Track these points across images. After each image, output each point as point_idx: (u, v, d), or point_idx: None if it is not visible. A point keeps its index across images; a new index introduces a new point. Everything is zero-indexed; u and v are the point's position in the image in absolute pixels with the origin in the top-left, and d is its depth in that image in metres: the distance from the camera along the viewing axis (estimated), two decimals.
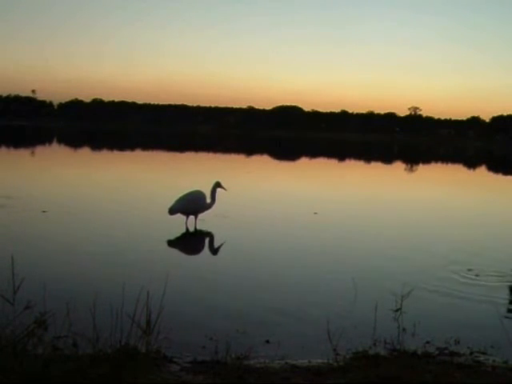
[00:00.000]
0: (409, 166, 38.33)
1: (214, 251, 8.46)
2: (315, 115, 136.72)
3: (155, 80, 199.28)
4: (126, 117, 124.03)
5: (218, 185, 10.22)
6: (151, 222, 10.07)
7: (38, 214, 10.07)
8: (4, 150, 35.06)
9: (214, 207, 10.08)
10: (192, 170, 22.93)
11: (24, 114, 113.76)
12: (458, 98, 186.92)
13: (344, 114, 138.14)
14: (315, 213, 11.72)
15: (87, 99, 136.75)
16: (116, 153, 36.99)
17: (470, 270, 7.59)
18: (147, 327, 4.23)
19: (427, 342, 4.86)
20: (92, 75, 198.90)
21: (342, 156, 44.61)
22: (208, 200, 10.02)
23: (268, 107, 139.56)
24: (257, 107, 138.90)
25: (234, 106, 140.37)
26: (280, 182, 20.31)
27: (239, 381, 3.81)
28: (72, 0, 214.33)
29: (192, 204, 9.82)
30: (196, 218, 9.84)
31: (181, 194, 9.87)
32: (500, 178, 31.30)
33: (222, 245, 8.48)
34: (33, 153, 32.53)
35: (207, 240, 9.36)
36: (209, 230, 9.66)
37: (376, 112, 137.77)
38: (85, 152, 37.21)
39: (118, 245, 8.32)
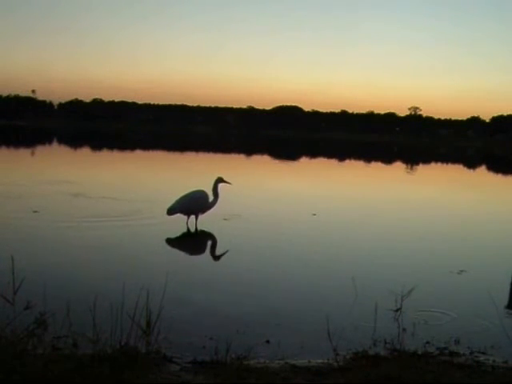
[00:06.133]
0: (409, 166, 38.34)
1: (216, 257, 8.18)
2: (315, 115, 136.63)
3: (155, 80, 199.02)
4: (125, 117, 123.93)
5: (220, 180, 10.14)
6: (151, 221, 10.06)
7: (30, 213, 10.05)
8: (4, 149, 35.05)
9: (217, 204, 10.04)
10: (193, 170, 22.92)
11: (24, 114, 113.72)
12: (458, 98, 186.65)
13: (344, 114, 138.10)
14: (314, 214, 11.71)
15: (87, 99, 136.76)
16: (116, 153, 37.01)
17: (470, 270, 7.59)
18: (147, 327, 4.23)
19: (427, 342, 4.86)
20: (92, 75, 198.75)
21: (341, 156, 44.61)
22: (210, 199, 9.99)
23: (268, 107, 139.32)
24: (257, 107, 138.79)
25: (234, 106, 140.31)
26: (279, 182, 20.31)
27: (239, 381, 3.81)
28: (73, 1, 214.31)
29: (193, 204, 9.80)
30: (197, 218, 9.83)
31: (181, 194, 9.88)
32: (500, 178, 31.31)
33: (224, 253, 8.24)
34: (33, 153, 32.56)
35: (207, 240, 9.36)
36: (209, 231, 9.66)
37: (376, 112, 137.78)
38: (84, 152, 37.23)
39: (118, 244, 8.32)
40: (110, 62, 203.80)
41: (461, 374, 4.13)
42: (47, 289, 5.10)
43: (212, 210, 9.99)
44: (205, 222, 9.87)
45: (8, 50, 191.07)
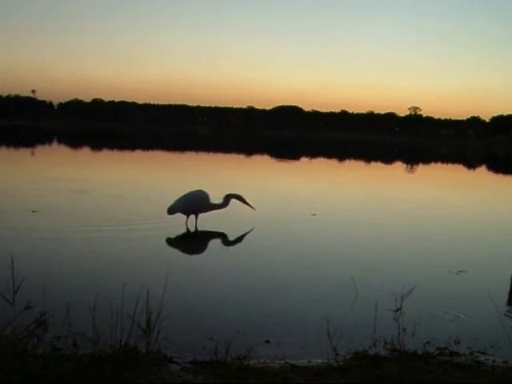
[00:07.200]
0: (409, 166, 38.33)
1: (216, 257, 8.07)
2: (315, 115, 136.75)
3: (155, 80, 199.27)
4: (126, 117, 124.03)
5: (239, 197, 10.15)
6: (151, 221, 10.06)
7: (28, 214, 10.03)
8: (4, 149, 35.03)
9: (222, 210, 10.02)
10: (193, 170, 22.92)
11: (24, 114, 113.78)
12: (458, 98, 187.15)
13: (344, 114, 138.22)
14: (313, 214, 11.70)
15: (87, 99, 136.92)
16: (116, 152, 37.00)
17: (470, 270, 7.59)
18: (147, 327, 4.23)
19: (427, 342, 4.85)
20: (92, 75, 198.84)
21: (341, 156, 44.60)
22: (215, 201, 9.98)
23: (268, 107, 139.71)
24: (257, 107, 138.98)
25: (234, 106, 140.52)
26: (279, 182, 20.30)
27: (239, 381, 3.81)
28: (73, 0, 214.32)
29: (191, 203, 9.81)
30: (196, 217, 9.84)
31: (181, 194, 9.90)
32: (500, 178, 31.31)
33: (223, 252, 8.19)
34: (32, 153, 32.54)
35: (207, 240, 9.36)
36: (209, 231, 9.66)
37: (376, 112, 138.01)
38: (85, 152, 37.21)
39: (118, 244, 8.31)
40: (109, 62, 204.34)
41: (461, 374, 4.13)
42: (47, 289, 5.10)
43: (215, 211, 9.99)
44: (204, 221, 9.87)
45: (8, 50, 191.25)
